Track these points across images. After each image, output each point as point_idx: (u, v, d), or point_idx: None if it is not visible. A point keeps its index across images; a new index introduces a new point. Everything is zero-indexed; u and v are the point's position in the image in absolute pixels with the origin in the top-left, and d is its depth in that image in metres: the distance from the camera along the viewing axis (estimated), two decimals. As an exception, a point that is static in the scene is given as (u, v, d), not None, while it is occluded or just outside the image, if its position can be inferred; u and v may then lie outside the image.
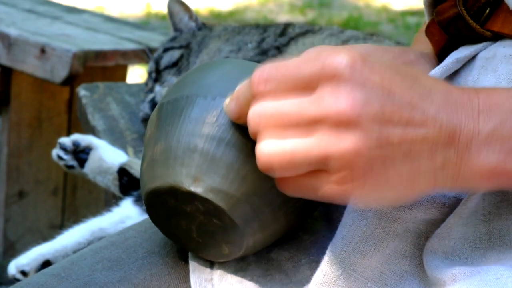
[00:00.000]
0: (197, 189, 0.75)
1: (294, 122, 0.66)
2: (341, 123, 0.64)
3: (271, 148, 0.67)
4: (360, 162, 0.65)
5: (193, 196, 0.75)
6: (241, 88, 0.71)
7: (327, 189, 0.67)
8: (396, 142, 0.66)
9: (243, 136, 0.75)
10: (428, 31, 0.87)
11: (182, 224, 0.79)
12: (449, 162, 0.67)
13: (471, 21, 0.81)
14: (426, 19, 0.92)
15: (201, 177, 0.75)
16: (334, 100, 0.65)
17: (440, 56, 0.87)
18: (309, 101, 0.66)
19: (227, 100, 0.72)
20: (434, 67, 0.85)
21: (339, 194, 0.67)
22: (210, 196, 0.75)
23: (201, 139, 0.75)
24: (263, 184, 0.75)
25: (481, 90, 0.69)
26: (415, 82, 0.67)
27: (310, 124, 0.65)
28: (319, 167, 0.66)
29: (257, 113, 0.68)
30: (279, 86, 0.67)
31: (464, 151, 0.67)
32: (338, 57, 0.65)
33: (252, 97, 0.68)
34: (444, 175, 0.68)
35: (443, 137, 0.67)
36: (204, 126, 0.75)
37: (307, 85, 0.66)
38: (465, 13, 0.81)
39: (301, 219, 0.81)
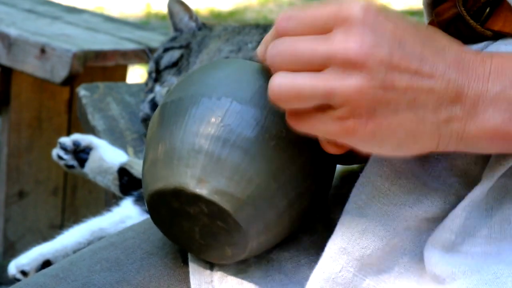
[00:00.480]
0: (202, 190, 0.74)
1: (306, 57, 0.69)
2: (349, 62, 0.67)
3: (282, 80, 0.69)
4: (362, 100, 0.67)
5: (197, 197, 0.75)
6: (268, 33, 0.75)
7: (331, 125, 0.69)
8: (401, 88, 0.67)
9: (248, 137, 0.74)
10: None
11: (185, 226, 0.78)
12: (454, 118, 0.68)
13: (471, 21, 0.81)
14: (425, 20, 0.91)
15: (206, 179, 0.74)
16: (345, 40, 0.67)
17: None
18: (322, 40, 0.68)
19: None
20: None
21: (342, 132, 0.69)
22: (215, 198, 0.74)
23: (206, 140, 0.74)
24: (269, 186, 0.75)
25: (495, 54, 0.71)
26: (429, 38, 0.69)
27: (320, 61, 0.68)
28: (325, 101, 0.68)
29: (275, 48, 0.71)
30: (298, 26, 0.70)
31: (470, 109, 0.68)
32: (354, 3, 0.69)
33: (275, 37, 0.71)
34: (449, 131, 0.69)
35: (450, 92, 0.68)
36: (209, 126, 0.75)
37: (323, 27, 0.69)
38: (465, 13, 0.81)
39: (304, 221, 0.81)
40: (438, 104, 0.68)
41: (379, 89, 0.67)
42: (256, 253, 0.79)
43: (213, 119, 0.75)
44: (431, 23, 0.87)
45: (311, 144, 0.75)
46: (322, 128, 0.70)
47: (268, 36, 0.75)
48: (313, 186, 0.78)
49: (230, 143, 0.74)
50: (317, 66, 0.68)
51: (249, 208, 0.75)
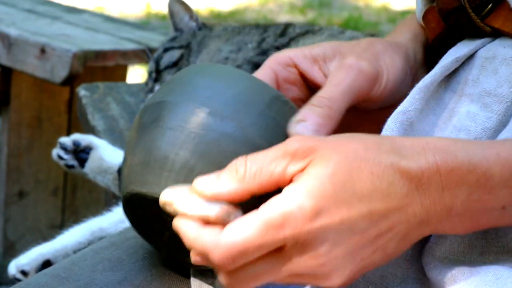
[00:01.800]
0: None
1: (270, 278, 0.68)
2: (317, 276, 0.68)
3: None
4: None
5: None
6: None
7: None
8: (367, 255, 0.69)
9: (227, 150, 0.73)
10: (426, 18, 0.87)
11: (156, 228, 0.79)
12: (423, 234, 0.71)
13: (472, 14, 0.81)
14: (418, 7, 0.91)
15: None
16: (304, 263, 0.67)
17: (434, 44, 0.87)
18: (280, 263, 0.67)
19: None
20: (403, 56, 0.85)
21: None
22: None
23: (201, 160, 0.73)
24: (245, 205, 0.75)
25: (441, 164, 0.69)
26: (372, 192, 0.68)
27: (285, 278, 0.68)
28: None
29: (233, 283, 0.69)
30: (247, 259, 0.67)
31: (437, 226, 0.70)
32: (289, 225, 0.66)
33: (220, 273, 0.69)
34: (414, 241, 0.71)
35: (413, 226, 0.69)
36: (208, 146, 0.74)
37: (273, 250, 0.67)
38: (467, 6, 0.81)
39: None
40: (405, 238, 0.69)
41: (353, 275, 0.69)
42: None
43: (214, 140, 0.74)
44: (430, 9, 0.87)
45: None
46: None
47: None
48: None
49: (209, 155, 0.73)
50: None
51: None
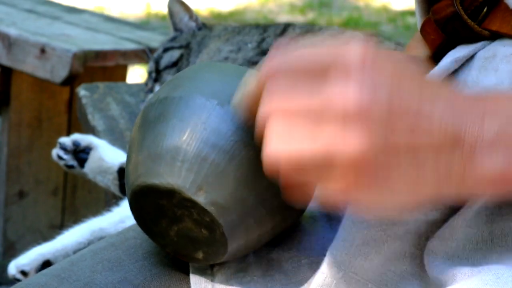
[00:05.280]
0: (199, 198, 0.74)
1: (303, 110, 0.65)
2: (348, 117, 0.64)
3: (278, 148, 0.66)
4: (364, 167, 0.64)
5: (193, 203, 0.75)
6: (251, 83, 0.70)
7: (331, 192, 0.66)
8: (402, 150, 0.65)
9: (246, 155, 0.74)
10: (423, 30, 0.87)
11: (163, 222, 0.78)
12: (453, 168, 0.67)
13: (468, 20, 0.81)
14: (417, 18, 0.91)
15: (206, 188, 0.74)
16: (343, 92, 0.64)
17: (435, 56, 0.87)
18: (319, 90, 0.65)
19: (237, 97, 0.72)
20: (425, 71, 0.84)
21: (342, 198, 0.66)
22: (211, 209, 0.74)
23: (214, 150, 0.74)
24: (256, 205, 0.76)
25: (488, 94, 0.69)
26: (422, 87, 0.67)
27: (318, 114, 0.65)
28: (324, 169, 0.65)
29: (267, 105, 0.67)
30: (291, 73, 0.66)
31: (468, 155, 0.66)
32: (352, 46, 0.65)
33: (262, 89, 0.68)
34: (449, 181, 0.67)
35: (448, 143, 0.66)
36: (220, 136, 0.74)
37: (318, 75, 0.65)
38: (462, 12, 0.81)
39: (286, 229, 0.81)
40: (438, 158, 0.66)
41: (381, 154, 0.64)
42: (228, 259, 0.79)
43: (225, 129, 0.74)
44: (426, 21, 0.87)
45: None
46: (321, 190, 0.67)
47: (251, 85, 0.70)
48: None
49: (221, 145, 0.74)
50: (313, 120, 0.65)
51: (238, 223, 0.75)
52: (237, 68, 0.79)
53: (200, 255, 0.78)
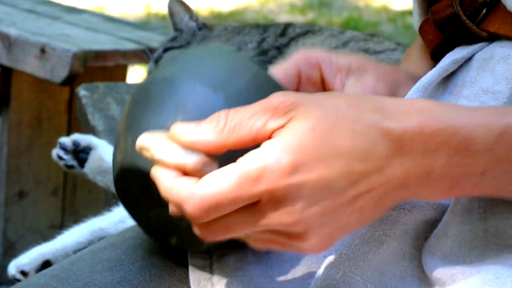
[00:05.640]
0: None
1: (243, 231, 0.67)
2: (292, 235, 0.67)
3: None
4: (312, 242, 0.67)
5: None
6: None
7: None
8: (344, 216, 0.67)
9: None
10: (422, 30, 0.87)
11: (145, 200, 0.78)
12: (401, 198, 0.70)
13: (467, 21, 0.81)
14: (414, 18, 0.91)
15: None
16: (278, 218, 0.66)
17: (433, 56, 0.87)
18: (255, 217, 0.66)
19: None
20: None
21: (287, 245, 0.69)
22: None
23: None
24: None
25: (425, 124, 0.68)
26: (352, 149, 0.66)
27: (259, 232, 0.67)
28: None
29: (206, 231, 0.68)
30: (221, 212, 0.66)
31: (416, 190, 0.69)
32: (262, 183, 0.65)
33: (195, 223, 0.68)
34: (384, 208, 0.70)
35: (392, 188, 0.68)
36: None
37: (248, 204, 0.66)
38: (461, 13, 0.81)
39: None
40: (382, 200, 0.68)
41: (326, 236, 0.67)
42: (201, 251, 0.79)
43: (199, 112, 0.73)
44: (425, 21, 0.87)
45: None
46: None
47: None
48: None
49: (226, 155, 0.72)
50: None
51: None
52: (243, 59, 0.77)
53: (173, 240, 0.79)
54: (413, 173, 0.67)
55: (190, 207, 0.65)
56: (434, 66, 0.83)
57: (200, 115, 0.72)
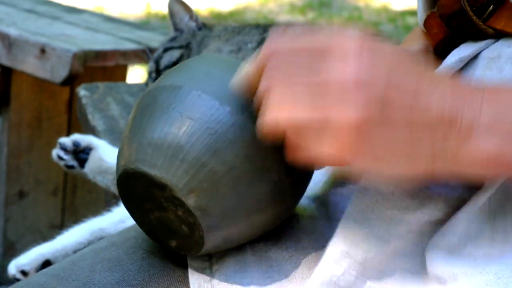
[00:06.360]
0: (189, 201, 0.74)
1: (303, 83, 0.68)
2: (346, 90, 0.67)
3: (278, 117, 0.68)
4: (358, 136, 0.67)
5: (181, 203, 0.75)
6: (252, 64, 0.73)
7: (326, 157, 0.68)
8: (398, 125, 0.67)
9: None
10: (427, 24, 0.87)
11: (147, 205, 0.78)
12: (448, 147, 0.69)
13: (474, 17, 0.81)
14: (419, 14, 0.91)
15: (198, 193, 0.74)
16: (342, 68, 0.67)
17: (436, 51, 0.87)
18: (319, 67, 0.68)
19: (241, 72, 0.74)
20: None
21: (338, 160, 0.69)
22: (198, 213, 0.74)
23: (215, 158, 0.74)
24: (246, 220, 0.76)
25: (488, 85, 0.71)
26: (421, 71, 0.69)
27: (317, 87, 0.68)
28: (320, 134, 0.68)
29: (268, 79, 0.70)
30: (291, 52, 0.69)
31: (464, 136, 0.68)
32: (350, 34, 0.68)
33: (263, 68, 0.70)
34: (443, 159, 0.69)
35: (445, 122, 0.68)
36: (224, 146, 0.74)
37: (318, 54, 0.68)
38: (468, 9, 0.81)
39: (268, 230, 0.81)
40: (433, 133, 0.68)
41: (376, 126, 0.67)
42: (200, 254, 0.79)
43: (212, 125, 0.74)
44: (430, 15, 0.87)
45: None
46: (318, 154, 0.69)
47: (252, 65, 0.73)
48: (287, 197, 0.78)
49: (223, 155, 0.73)
50: (313, 92, 0.67)
51: (220, 233, 0.76)
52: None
53: (173, 243, 0.79)
54: (467, 116, 0.68)
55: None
56: (436, 58, 0.84)
57: (206, 125, 0.73)
